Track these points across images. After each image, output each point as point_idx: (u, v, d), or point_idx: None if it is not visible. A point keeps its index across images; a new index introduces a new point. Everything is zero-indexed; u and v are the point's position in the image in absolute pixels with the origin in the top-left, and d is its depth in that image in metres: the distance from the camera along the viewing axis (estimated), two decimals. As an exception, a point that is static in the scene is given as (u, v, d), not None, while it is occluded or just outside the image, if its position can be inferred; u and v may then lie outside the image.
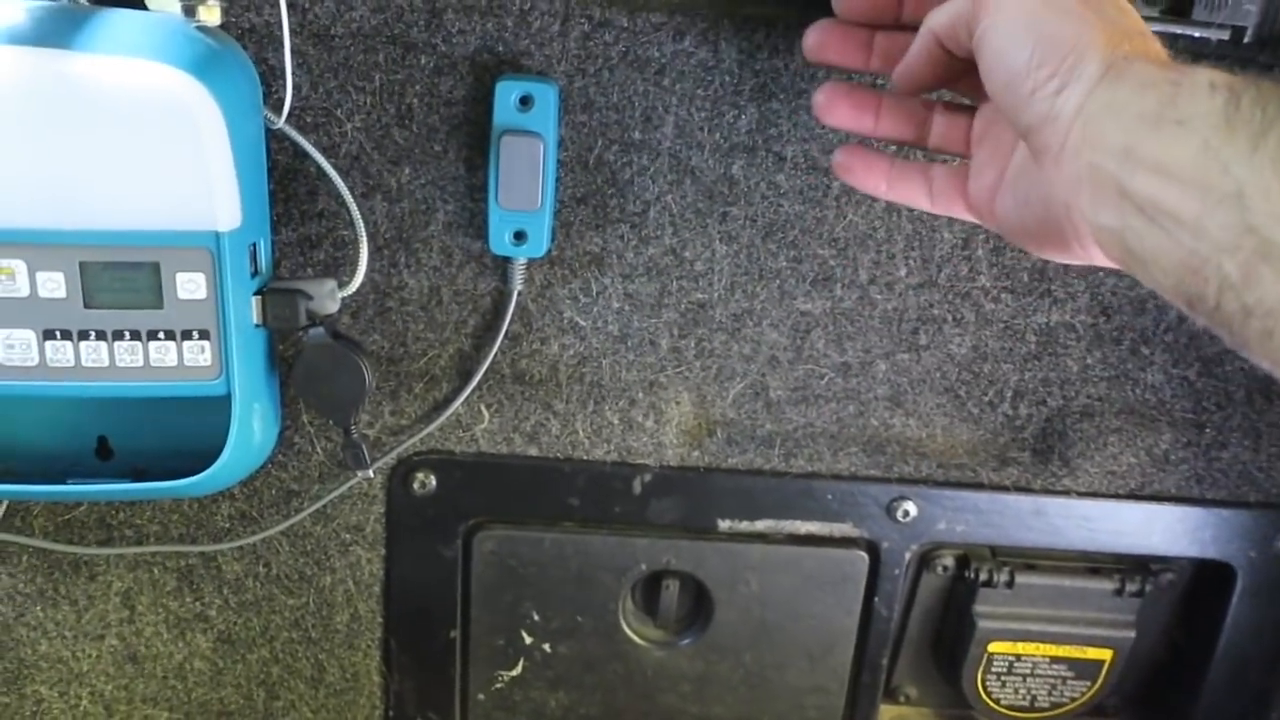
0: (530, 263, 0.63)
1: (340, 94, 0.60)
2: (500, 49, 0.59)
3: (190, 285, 0.53)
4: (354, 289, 0.60)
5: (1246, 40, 0.57)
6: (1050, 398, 0.68)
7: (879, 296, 0.65)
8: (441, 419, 0.66)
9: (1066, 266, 0.65)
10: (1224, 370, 0.67)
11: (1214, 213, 0.34)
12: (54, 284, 0.52)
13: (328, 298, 0.58)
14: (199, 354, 0.55)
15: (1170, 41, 0.58)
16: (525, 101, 0.59)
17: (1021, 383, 0.67)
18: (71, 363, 0.54)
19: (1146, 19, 0.58)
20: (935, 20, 0.46)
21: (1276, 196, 0.33)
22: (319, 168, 0.58)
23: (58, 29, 0.49)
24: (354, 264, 0.60)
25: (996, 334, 0.66)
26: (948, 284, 0.65)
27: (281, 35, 0.54)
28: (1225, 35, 0.57)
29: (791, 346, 0.67)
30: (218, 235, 0.52)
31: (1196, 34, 0.57)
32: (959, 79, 0.49)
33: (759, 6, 0.59)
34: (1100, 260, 0.43)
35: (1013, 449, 0.69)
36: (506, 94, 0.58)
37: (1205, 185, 0.34)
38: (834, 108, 0.53)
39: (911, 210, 0.63)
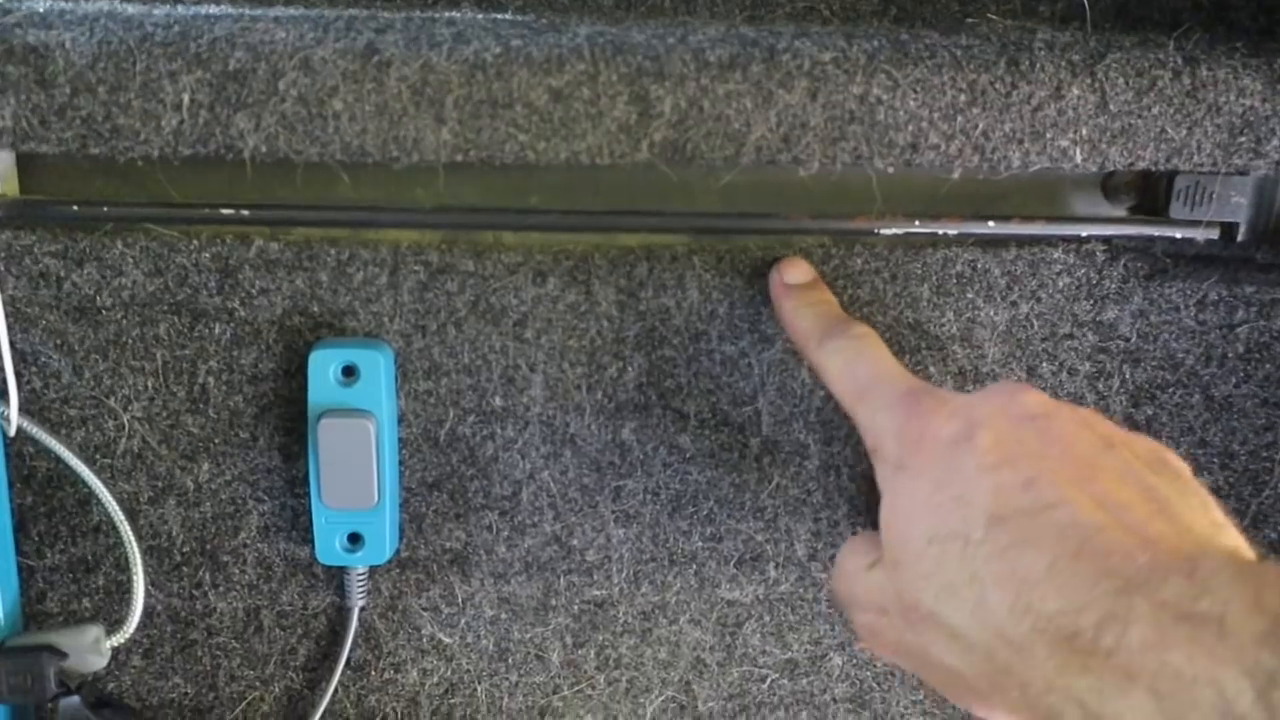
0: (373, 570, 0.50)
1: (112, 378, 0.47)
2: (315, 309, 0.47)
3: None
4: (130, 632, 0.46)
5: (1240, 238, 0.46)
6: None
7: (823, 575, 0.52)
8: (269, 784, 0.51)
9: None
10: None
11: None
12: None
13: (90, 650, 0.44)
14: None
15: (1146, 244, 0.47)
16: (348, 373, 0.46)
17: None
18: None
19: (1113, 220, 0.48)
20: None
21: None
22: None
23: None
24: (130, 595, 0.46)
25: None
26: None
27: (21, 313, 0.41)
28: (1214, 234, 0.46)
29: (720, 645, 0.52)
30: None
31: (1178, 234, 0.46)
32: None
33: (637, 234, 0.47)
34: None
35: None
36: (323, 365, 0.46)
37: None
38: None
39: (851, 466, 0.50)
